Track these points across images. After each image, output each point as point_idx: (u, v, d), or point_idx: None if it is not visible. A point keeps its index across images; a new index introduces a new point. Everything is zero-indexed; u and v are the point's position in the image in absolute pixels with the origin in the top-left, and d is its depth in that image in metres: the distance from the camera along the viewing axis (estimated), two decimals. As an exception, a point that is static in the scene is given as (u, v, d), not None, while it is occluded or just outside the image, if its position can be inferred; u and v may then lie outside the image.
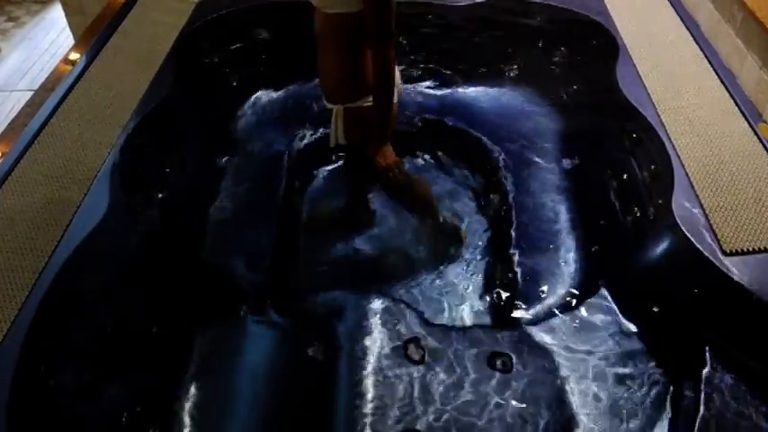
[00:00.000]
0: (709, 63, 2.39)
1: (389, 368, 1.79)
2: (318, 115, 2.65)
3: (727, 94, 2.22)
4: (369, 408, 1.70)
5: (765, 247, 1.69)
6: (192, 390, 1.76)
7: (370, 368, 1.79)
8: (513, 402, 1.69)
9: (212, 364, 1.83)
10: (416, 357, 1.82)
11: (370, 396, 1.73)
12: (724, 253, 1.69)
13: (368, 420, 1.68)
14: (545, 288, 1.99)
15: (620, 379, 1.70)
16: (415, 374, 1.77)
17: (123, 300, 1.88)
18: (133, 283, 1.93)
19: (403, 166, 1.91)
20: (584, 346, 1.80)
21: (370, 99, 1.85)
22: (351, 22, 1.71)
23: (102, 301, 1.82)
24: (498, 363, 1.78)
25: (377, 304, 1.98)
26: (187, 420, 1.70)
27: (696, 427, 1.52)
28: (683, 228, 1.76)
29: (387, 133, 1.85)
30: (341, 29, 1.74)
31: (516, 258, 2.10)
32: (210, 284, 2.08)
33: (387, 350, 1.84)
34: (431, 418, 1.67)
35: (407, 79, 2.85)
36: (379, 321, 1.93)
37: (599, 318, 1.85)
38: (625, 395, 1.67)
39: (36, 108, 2.25)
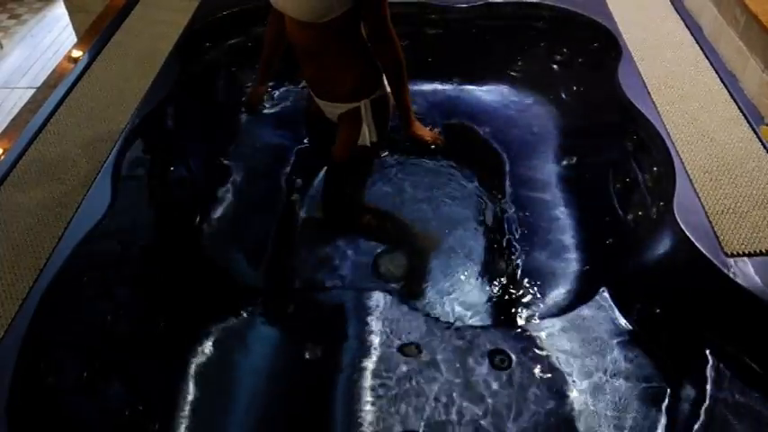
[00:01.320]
0: (712, 66, 2.39)
1: (389, 366, 1.79)
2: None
3: (730, 97, 2.22)
4: (368, 406, 1.70)
5: (767, 250, 1.69)
6: (193, 388, 1.76)
7: (369, 366, 1.79)
8: (513, 401, 1.68)
9: (212, 362, 1.83)
10: (416, 355, 1.82)
11: (369, 394, 1.73)
12: (725, 255, 1.69)
13: (368, 419, 1.68)
14: (546, 288, 1.99)
15: (621, 380, 1.70)
16: (415, 373, 1.77)
17: (124, 297, 1.88)
18: (134, 280, 1.93)
19: (440, 134, 2.09)
20: (585, 347, 1.80)
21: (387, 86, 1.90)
22: (348, 20, 1.69)
23: (103, 299, 1.82)
24: (498, 361, 1.77)
25: (376, 302, 1.98)
26: (187, 418, 1.69)
27: (695, 429, 1.52)
28: (684, 229, 1.75)
29: (411, 110, 1.95)
30: (342, 30, 1.72)
31: (517, 258, 2.10)
32: (211, 283, 2.08)
33: (386, 348, 1.84)
34: (430, 416, 1.67)
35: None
36: (379, 319, 1.93)
37: (600, 318, 1.85)
38: (625, 396, 1.67)
39: (38, 105, 2.25)
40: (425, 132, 2.03)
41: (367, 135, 1.92)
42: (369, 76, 1.87)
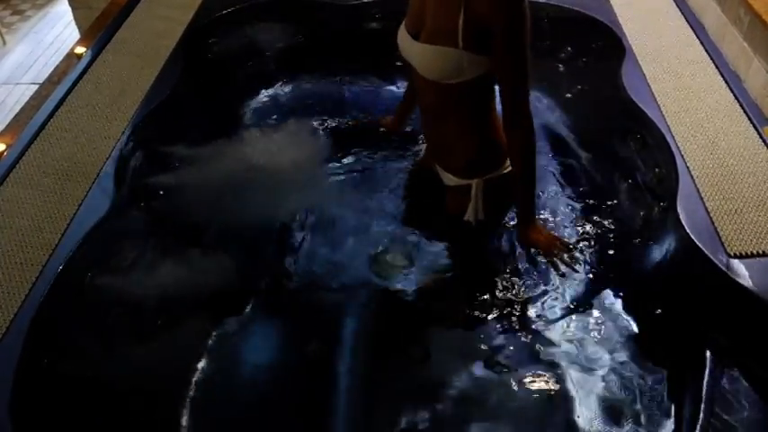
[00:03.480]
0: (716, 66, 2.39)
1: (392, 367, 1.79)
2: (323, 115, 2.65)
3: (733, 97, 2.22)
4: (369, 406, 1.70)
5: (770, 251, 1.69)
6: (195, 387, 1.76)
7: (371, 366, 1.79)
8: (515, 402, 1.68)
9: (214, 360, 1.83)
10: (418, 356, 1.82)
11: (370, 394, 1.73)
12: (728, 256, 1.69)
13: (368, 418, 1.68)
14: (548, 289, 1.98)
15: (623, 380, 1.70)
16: (418, 374, 1.77)
17: (125, 295, 1.88)
18: (136, 278, 1.93)
19: (563, 241, 1.71)
20: (587, 348, 1.80)
21: (509, 164, 1.67)
22: (478, 86, 1.48)
23: (105, 296, 1.82)
24: (501, 363, 1.77)
25: (379, 303, 1.98)
26: (189, 419, 1.70)
27: (698, 429, 1.52)
28: (687, 230, 1.75)
29: (535, 209, 1.64)
30: (469, 96, 1.51)
31: (519, 258, 2.10)
32: (213, 281, 2.07)
33: (388, 350, 1.84)
34: (432, 417, 1.67)
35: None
36: (381, 319, 1.93)
37: (602, 319, 1.85)
38: (627, 397, 1.67)
39: (41, 101, 2.25)
40: (550, 241, 1.64)
41: (472, 214, 1.71)
42: (489, 152, 1.63)
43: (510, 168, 1.70)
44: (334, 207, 2.31)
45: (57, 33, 4.62)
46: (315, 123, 2.62)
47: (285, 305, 2.04)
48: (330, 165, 2.46)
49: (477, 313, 1.96)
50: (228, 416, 1.72)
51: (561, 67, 2.84)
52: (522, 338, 1.84)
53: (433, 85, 1.50)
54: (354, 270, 2.11)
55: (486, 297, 2.00)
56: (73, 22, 3.92)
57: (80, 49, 2.52)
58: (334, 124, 2.59)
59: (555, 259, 1.65)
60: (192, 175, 2.33)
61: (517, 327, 1.88)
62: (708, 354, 1.63)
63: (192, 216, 2.19)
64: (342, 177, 2.42)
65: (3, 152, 2.03)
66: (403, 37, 1.54)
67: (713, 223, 1.78)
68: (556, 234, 1.67)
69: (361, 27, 3.03)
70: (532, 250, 1.79)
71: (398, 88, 2.83)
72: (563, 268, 1.69)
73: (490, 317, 1.94)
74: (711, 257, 1.68)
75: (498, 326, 1.90)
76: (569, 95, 2.76)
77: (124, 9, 2.79)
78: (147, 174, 2.19)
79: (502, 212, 1.79)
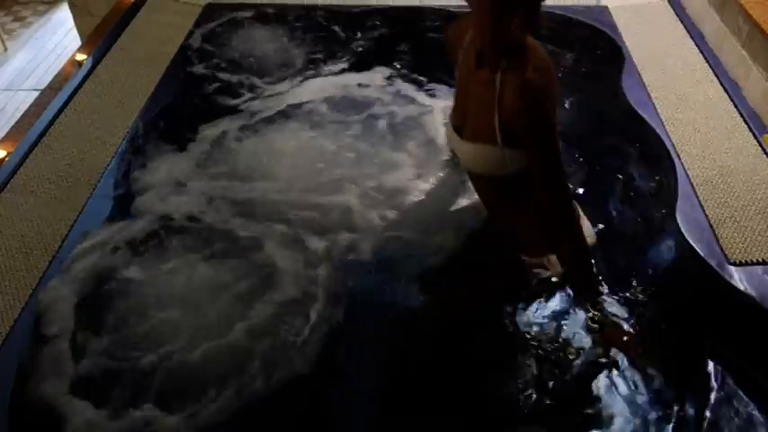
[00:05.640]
0: (715, 74, 2.40)
1: (395, 374, 1.79)
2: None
3: (732, 106, 2.23)
4: (375, 411, 1.70)
5: (770, 259, 1.70)
6: (197, 389, 1.75)
7: (376, 375, 1.79)
8: (516, 407, 1.68)
9: (216, 364, 1.82)
10: (418, 359, 1.81)
11: (374, 401, 1.72)
12: (728, 263, 1.69)
13: (374, 425, 1.67)
14: (547, 295, 1.98)
15: (623, 388, 1.70)
16: (420, 381, 1.77)
17: (125, 299, 1.87)
18: (136, 282, 1.93)
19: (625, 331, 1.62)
20: (587, 355, 1.80)
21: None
22: (526, 177, 1.48)
23: (105, 301, 1.82)
24: (501, 368, 1.77)
25: (384, 312, 1.97)
26: (190, 421, 1.69)
27: (698, 437, 1.52)
28: (687, 238, 1.76)
29: (594, 288, 1.60)
30: (520, 184, 1.50)
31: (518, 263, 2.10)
32: (213, 284, 2.07)
33: (392, 356, 1.84)
34: (434, 422, 1.66)
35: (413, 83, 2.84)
36: (386, 323, 1.93)
37: (602, 326, 1.85)
38: (627, 403, 1.66)
39: (42, 108, 2.26)
40: (613, 333, 1.60)
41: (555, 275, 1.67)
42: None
43: (588, 240, 1.65)
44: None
45: (58, 40, 4.63)
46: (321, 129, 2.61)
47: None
48: (338, 168, 2.46)
49: (475, 320, 1.96)
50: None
51: (561, 76, 2.85)
52: (522, 345, 1.83)
53: (481, 177, 1.56)
54: (358, 272, 2.09)
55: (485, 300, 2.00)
56: (74, 29, 3.93)
57: (81, 56, 2.53)
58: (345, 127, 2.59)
59: (623, 347, 1.61)
60: (195, 181, 2.33)
61: (517, 334, 1.88)
62: (707, 360, 1.63)
63: (190, 220, 2.19)
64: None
65: (3, 159, 2.04)
66: (449, 132, 1.60)
67: (713, 230, 1.78)
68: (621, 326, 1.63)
69: (362, 32, 3.05)
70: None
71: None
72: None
73: (489, 322, 1.94)
74: (711, 264, 1.68)
75: (498, 332, 1.90)
76: (569, 104, 2.76)
77: (125, 16, 2.80)
78: (147, 180, 2.19)
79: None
